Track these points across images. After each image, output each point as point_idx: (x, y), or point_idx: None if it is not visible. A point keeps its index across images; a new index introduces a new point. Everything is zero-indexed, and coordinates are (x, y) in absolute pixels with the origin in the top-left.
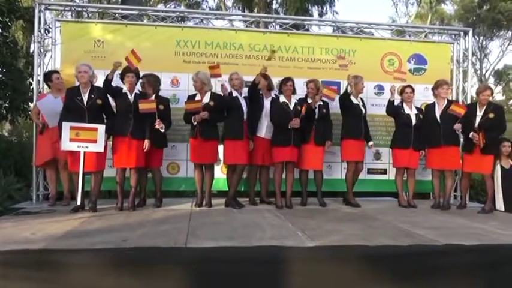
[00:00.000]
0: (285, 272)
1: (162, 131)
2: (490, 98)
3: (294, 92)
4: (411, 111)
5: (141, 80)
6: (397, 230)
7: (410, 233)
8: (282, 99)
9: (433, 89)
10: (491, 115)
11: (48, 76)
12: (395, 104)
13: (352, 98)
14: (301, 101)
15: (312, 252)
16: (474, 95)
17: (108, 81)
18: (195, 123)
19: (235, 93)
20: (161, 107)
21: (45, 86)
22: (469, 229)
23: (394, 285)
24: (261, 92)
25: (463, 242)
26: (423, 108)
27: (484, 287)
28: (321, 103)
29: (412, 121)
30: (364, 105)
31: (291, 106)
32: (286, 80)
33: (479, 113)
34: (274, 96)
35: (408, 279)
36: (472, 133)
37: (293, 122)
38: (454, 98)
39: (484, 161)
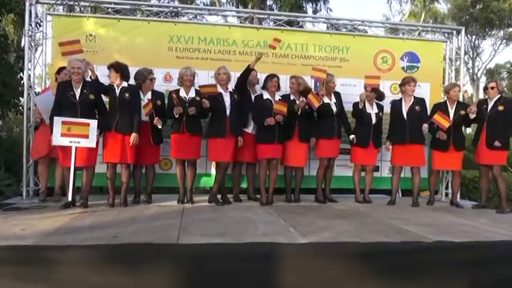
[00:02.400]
0: (277, 269)
1: (160, 126)
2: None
3: (278, 88)
4: (372, 110)
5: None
6: (388, 226)
7: (401, 230)
8: (266, 95)
9: (400, 86)
10: (462, 112)
11: (59, 71)
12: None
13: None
14: (285, 98)
15: (304, 249)
16: (460, 94)
17: (95, 81)
18: (177, 116)
19: (219, 89)
20: (159, 102)
21: (36, 81)
22: (459, 226)
23: (386, 282)
24: (248, 88)
25: (453, 239)
26: (383, 105)
27: (474, 283)
28: (305, 100)
29: (372, 120)
30: (336, 103)
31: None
32: (272, 76)
33: (451, 110)
34: (259, 93)
35: (399, 275)
36: (439, 132)
37: (269, 120)
38: (445, 97)
39: (455, 158)
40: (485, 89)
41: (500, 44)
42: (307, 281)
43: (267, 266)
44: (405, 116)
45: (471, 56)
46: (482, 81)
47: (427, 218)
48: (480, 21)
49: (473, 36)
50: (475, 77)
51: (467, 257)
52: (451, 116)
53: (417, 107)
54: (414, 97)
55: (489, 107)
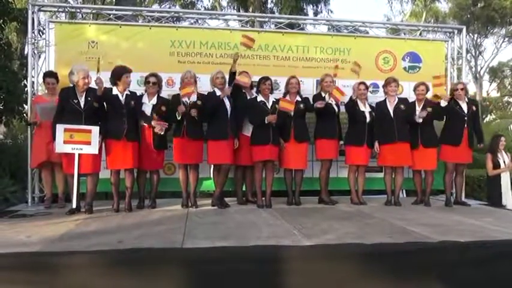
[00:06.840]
0: (281, 271)
1: (162, 133)
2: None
3: (272, 91)
4: (365, 109)
5: (153, 79)
6: (392, 227)
7: (405, 231)
8: (260, 98)
9: (383, 87)
10: (429, 109)
11: (43, 77)
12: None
13: (325, 97)
14: (279, 100)
15: (308, 251)
16: (470, 92)
17: (99, 97)
18: (178, 118)
19: (218, 93)
20: (163, 108)
21: (39, 88)
22: (463, 226)
23: (390, 283)
24: (244, 91)
25: (458, 239)
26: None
27: (480, 282)
28: (299, 99)
29: (366, 118)
30: (337, 105)
31: (269, 105)
32: (265, 79)
33: (418, 108)
34: (254, 95)
35: (404, 276)
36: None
37: (269, 117)
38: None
39: (427, 156)
40: (455, 90)
41: (502, 42)
42: (311, 284)
43: (272, 269)
44: (392, 115)
45: (473, 54)
46: (485, 79)
47: (431, 218)
48: (482, 20)
49: (475, 35)
50: (477, 75)
51: (473, 256)
52: (417, 112)
53: (402, 106)
54: (397, 97)
55: (464, 108)
